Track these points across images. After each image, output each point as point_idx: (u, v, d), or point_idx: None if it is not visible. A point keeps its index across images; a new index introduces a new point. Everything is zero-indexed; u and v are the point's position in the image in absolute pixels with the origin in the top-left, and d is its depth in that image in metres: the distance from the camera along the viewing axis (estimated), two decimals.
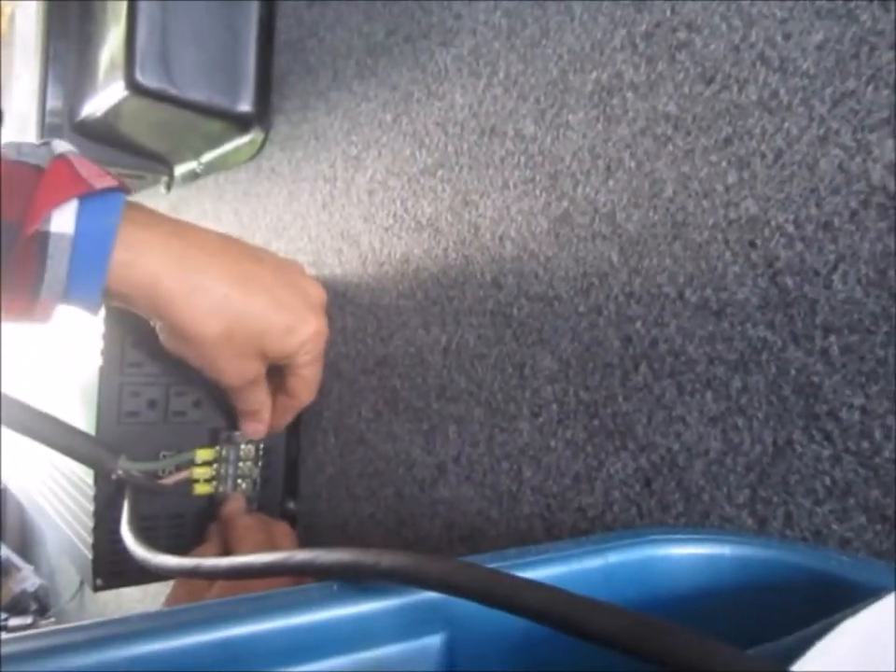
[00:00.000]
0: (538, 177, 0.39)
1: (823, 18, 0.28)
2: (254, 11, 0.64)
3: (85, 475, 0.47)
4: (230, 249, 0.44)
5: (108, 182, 0.38)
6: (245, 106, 0.64)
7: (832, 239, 0.28)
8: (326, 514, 0.53)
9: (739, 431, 0.30)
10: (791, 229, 0.29)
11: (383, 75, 0.51)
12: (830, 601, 0.18)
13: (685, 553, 0.23)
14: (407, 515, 0.46)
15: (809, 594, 0.20)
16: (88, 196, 0.38)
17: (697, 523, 0.31)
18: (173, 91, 0.62)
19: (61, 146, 0.39)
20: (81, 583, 1.12)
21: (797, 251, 0.29)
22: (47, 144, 0.39)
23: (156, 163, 0.80)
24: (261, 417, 0.50)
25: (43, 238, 0.37)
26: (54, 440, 0.43)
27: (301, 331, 0.47)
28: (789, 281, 0.29)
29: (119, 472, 0.44)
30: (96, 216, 0.38)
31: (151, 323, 0.44)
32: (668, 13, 0.34)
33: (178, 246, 0.41)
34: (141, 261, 0.39)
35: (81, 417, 0.47)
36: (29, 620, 1.24)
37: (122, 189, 0.39)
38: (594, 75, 0.37)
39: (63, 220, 0.37)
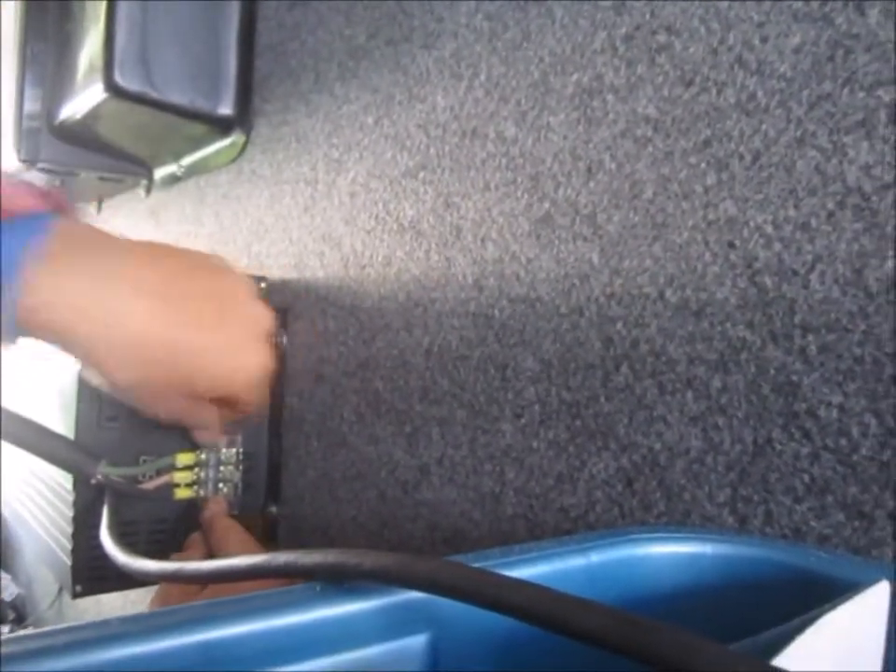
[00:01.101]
0: (519, 179, 0.39)
1: (800, 21, 0.29)
2: (235, 13, 0.64)
3: (64, 480, 0.47)
4: (159, 270, 0.39)
5: (29, 204, 0.35)
6: (226, 109, 0.64)
7: (809, 239, 0.28)
8: (308, 518, 0.53)
9: (719, 430, 0.30)
10: (769, 229, 0.29)
11: (364, 77, 0.51)
12: (810, 597, 0.18)
13: (667, 552, 0.23)
14: (390, 517, 0.46)
15: (790, 590, 0.21)
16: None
17: (679, 522, 0.31)
18: (153, 94, 0.61)
19: None
20: (60, 591, 1.11)
21: (775, 251, 0.29)
22: None
23: (136, 166, 0.79)
24: (212, 429, 0.48)
25: None
26: (33, 444, 0.42)
27: (238, 375, 0.42)
28: (767, 281, 0.29)
29: (99, 477, 0.44)
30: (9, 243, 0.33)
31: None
32: (648, 16, 0.34)
33: (97, 286, 0.37)
34: (54, 306, 0.35)
35: (61, 421, 0.46)
36: (6, 629, 1.22)
37: (50, 212, 0.35)
38: (574, 77, 0.37)
39: None
